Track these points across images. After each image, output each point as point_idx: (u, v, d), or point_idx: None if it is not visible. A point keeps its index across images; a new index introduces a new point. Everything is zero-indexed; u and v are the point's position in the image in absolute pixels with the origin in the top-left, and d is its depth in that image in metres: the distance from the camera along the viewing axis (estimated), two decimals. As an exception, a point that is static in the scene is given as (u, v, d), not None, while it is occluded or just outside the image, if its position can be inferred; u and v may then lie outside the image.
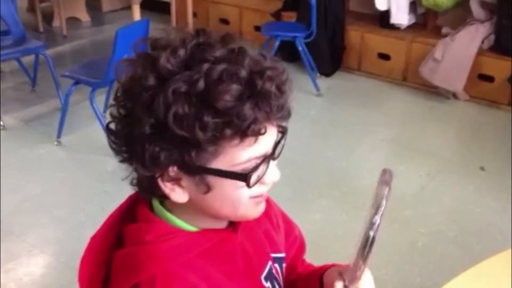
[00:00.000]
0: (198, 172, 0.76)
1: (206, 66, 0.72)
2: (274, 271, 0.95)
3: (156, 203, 0.86)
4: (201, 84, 0.71)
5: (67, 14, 5.17)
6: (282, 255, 0.99)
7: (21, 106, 3.76)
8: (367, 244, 0.78)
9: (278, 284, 0.96)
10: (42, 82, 3.96)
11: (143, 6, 3.80)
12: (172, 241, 0.80)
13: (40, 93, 3.95)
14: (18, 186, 2.88)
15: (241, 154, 0.75)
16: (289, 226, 1.05)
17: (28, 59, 3.97)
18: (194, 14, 4.87)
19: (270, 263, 0.94)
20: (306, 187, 2.92)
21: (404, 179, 2.91)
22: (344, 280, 0.85)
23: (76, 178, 3.03)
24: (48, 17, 5.26)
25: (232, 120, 0.72)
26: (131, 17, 3.72)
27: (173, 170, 0.76)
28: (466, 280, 1.24)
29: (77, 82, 3.17)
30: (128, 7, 4.02)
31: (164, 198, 0.82)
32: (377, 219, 0.77)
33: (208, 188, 0.77)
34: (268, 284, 0.93)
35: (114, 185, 2.87)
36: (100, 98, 3.36)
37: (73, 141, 3.35)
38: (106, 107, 3.47)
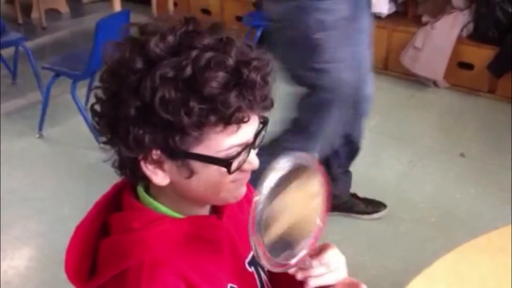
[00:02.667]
0: (181, 156, 0.77)
1: (194, 53, 0.74)
2: None
3: (141, 191, 0.87)
4: (188, 70, 0.73)
5: (46, 5, 5.11)
6: None
7: (2, 99, 3.71)
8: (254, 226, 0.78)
9: (262, 269, 0.98)
10: (22, 74, 3.91)
11: (124, -3, 3.77)
12: (159, 227, 0.82)
13: (20, 86, 3.91)
14: (1, 179, 2.86)
15: (224, 141, 0.77)
16: None
17: (8, 52, 3.92)
18: (175, 4, 4.84)
19: None
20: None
21: (386, 167, 2.95)
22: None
23: (59, 171, 3.02)
24: (26, 9, 5.18)
25: (217, 107, 0.73)
26: (111, 8, 3.69)
27: (156, 153, 0.78)
28: (448, 263, 1.27)
29: (57, 75, 3.14)
30: (108, -2, 3.99)
31: (145, 181, 0.84)
32: (259, 198, 0.77)
33: (191, 173, 0.79)
34: (252, 269, 0.94)
35: (97, 177, 2.84)
36: (82, 91, 3.34)
37: (55, 134, 3.33)
38: (87, 99, 3.45)
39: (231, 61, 0.74)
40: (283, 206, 0.81)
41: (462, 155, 3.08)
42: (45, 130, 3.29)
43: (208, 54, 0.74)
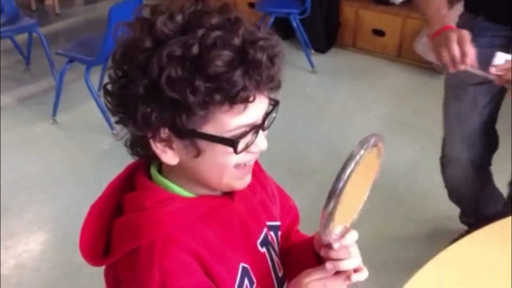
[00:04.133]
0: (188, 135, 0.78)
1: (201, 32, 0.74)
2: (269, 238, 0.98)
3: (154, 171, 0.88)
4: (195, 49, 0.73)
5: (60, -9, 5.13)
6: (278, 223, 1.02)
7: (16, 85, 3.75)
8: (331, 195, 0.78)
9: (274, 250, 0.98)
10: (36, 60, 3.94)
11: (137, -17, 3.76)
12: (171, 206, 0.83)
13: (34, 72, 3.94)
14: (15, 164, 2.90)
15: (231, 120, 0.77)
16: (284, 197, 1.08)
17: (22, 38, 3.95)
18: (188, -9, 4.83)
19: (265, 230, 0.97)
20: (302, 163, 2.94)
21: (398, 154, 2.94)
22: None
23: (73, 156, 3.04)
24: (40, -5, 5.22)
25: (222, 86, 0.74)
26: (124, -6, 3.70)
27: (164, 132, 0.78)
28: (460, 249, 1.27)
29: (71, 60, 3.16)
30: (121, -16, 3.98)
31: (155, 160, 0.85)
32: (344, 174, 0.77)
33: (198, 152, 0.80)
34: (263, 250, 0.95)
35: (110, 162, 2.88)
36: (95, 76, 3.36)
37: (69, 120, 3.36)
38: (100, 85, 3.47)
39: (237, 41, 0.75)
40: (350, 187, 0.80)
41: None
42: (59, 116, 3.32)
43: (215, 33, 0.74)
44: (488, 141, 2.05)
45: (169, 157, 0.81)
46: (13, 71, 3.97)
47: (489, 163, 2.11)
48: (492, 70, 1.48)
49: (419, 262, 1.21)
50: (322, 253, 0.87)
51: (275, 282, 0.98)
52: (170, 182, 0.86)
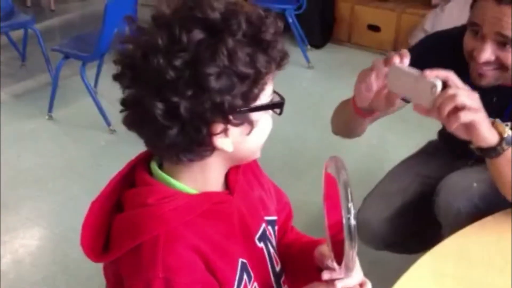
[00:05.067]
0: (250, 110, 0.81)
1: (243, 15, 0.79)
2: (267, 232, 0.99)
3: (154, 167, 0.88)
4: (245, 27, 0.78)
5: (55, -13, 5.11)
6: (274, 218, 1.03)
7: (12, 81, 3.74)
8: (351, 234, 0.79)
9: (271, 244, 1.00)
10: (31, 56, 3.93)
11: (132, -21, 3.76)
12: (174, 202, 0.83)
13: (30, 68, 3.93)
14: (12, 160, 2.89)
15: (270, 87, 0.84)
16: (279, 193, 1.09)
17: (17, 34, 3.94)
18: (184, -13, 4.83)
19: (263, 225, 0.98)
20: (298, 158, 2.95)
21: (395, 150, 2.94)
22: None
23: (69, 152, 3.04)
24: (36, -9, 5.20)
25: (275, 55, 0.81)
26: (120, -11, 3.69)
27: (221, 122, 0.80)
28: (455, 243, 1.28)
29: (67, 57, 3.15)
30: (117, -20, 3.97)
31: (205, 158, 0.85)
32: (351, 205, 0.79)
33: (252, 127, 0.83)
34: (261, 245, 0.96)
35: (107, 158, 2.88)
36: (91, 73, 3.35)
37: (65, 116, 3.35)
38: (96, 81, 3.47)
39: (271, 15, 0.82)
40: None
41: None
42: (55, 111, 3.32)
43: (256, 11, 0.80)
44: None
45: (228, 145, 0.83)
46: (9, 67, 3.96)
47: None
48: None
49: (415, 258, 1.22)
50: (325, 277, 0.88)
51: (272, 276, 0.99)
52: (171, 178, 0.87)
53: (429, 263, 1.22)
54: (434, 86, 1.07)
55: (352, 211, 0.79)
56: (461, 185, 1.53)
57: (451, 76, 1.12)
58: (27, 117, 3.32)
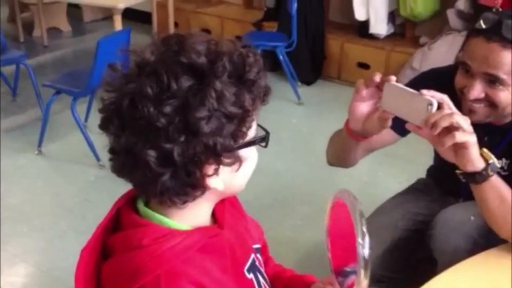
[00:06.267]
0: (239, 147, 0.82)
1: (226, 56, 0.80)
2: (257, 262, 0.99)
3: (142, 207, 0.87)
4: (232, 68, 0.79)
5: (48, 24, 5.16)
6: (259, 245, 1.05)
7: (2, 116, 3.73)
8: (367, 265, 0.80)
9: (261, 274, 0.99)
10: (23, 91, 3.94)
11: (125, 16, 3.80)
12: (171, 241, 0.82)
13: (21, 103, 3.93)
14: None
15: (255, 123, 0.86)
16: (254, 221, 1.10)
17: (9, 69, 3.95)
18: (176, 24, 4.89)
19: (252, 255, 0.98)
20: (287, 194, 2.94)
21: (383, 186, 2.95)
22: None
23: (57, 187, 3.02)
24: (28, 27, 5.23)
25: (259, 92, 0.83)
26: (112, 27, 3.73)
27: (213, 163, 0.81)
28: (446, 280, 1.28)
29: (58, 92, 3.16)
30: (110, 17, 4.02)
31: (196, 198, 0.85)
32: (367, 235, 0.80)
33: (240, 163, 0.84)
34: (251, 276, 0.96)
35: (95, 194, 2.86)
36: (81, 108, 3.36)
37: (54, 151, 3.34)
38: (87, 116, 3.47)
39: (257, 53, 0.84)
40: None
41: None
42: (45, 146, 3.30)
43: (237, 51, 0.81)
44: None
45: (219, 183, 0.84)
46: (0, 102, 3.96)
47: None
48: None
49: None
50: None
51: None
52: (163, 216, 0.86)
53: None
54: (430, 103, 1.10)
55: (367, 241, 0.79)
56: (458, 218, 1.53)
57: (446, 99, 1.15)
58: (16, 152, 3.30)
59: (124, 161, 0.80)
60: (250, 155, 0.86)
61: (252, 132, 0.85)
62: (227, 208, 0.95)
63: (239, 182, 0.89)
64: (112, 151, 0.82)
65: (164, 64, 0.78)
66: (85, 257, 0.86)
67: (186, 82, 0.76)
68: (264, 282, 1.00)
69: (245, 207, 1.06)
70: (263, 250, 1.09)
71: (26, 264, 2.43)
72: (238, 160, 0.83)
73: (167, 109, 0.75)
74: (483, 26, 1.36)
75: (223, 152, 0.79)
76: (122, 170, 0.82)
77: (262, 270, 1.01)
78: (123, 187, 0.91)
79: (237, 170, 0.84)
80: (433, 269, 1.49)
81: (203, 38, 0.82)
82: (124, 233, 0.85)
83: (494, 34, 1.33)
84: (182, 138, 0.76)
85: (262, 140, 0.86)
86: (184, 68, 0.77)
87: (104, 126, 0.81)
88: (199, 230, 0.87)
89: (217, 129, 0.77)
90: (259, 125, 0.87)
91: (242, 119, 0.80)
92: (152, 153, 0.76)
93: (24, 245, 2.53)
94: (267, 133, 0.87)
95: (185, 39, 0.80)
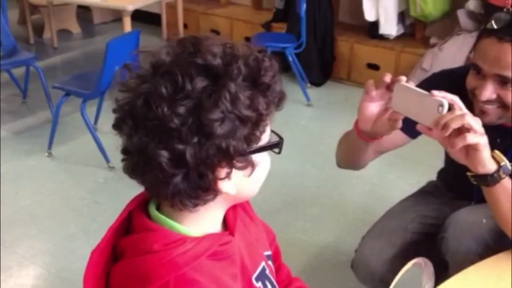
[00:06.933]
0: (252, 152, 0.82)
1: (241, 59, 0.79)
2: (268, 270, 0.98)
3: (154, 211, 0.87)
4: (247, 72, 0.79)
5: (58, 26, 5.18)
6: (270, 252, 1.03)
7: (12, 118, 3.75)
8: None
9: (270, 282, 0.98)
10: (33, 93, 3.96)
11: (134, 18, 3.82)
12: (182, 247, 0.82)
13: (31, 105, 3.95)
14: (9, 197, 2.88)
15: (269, 127, 0.85)
16: (266, 227, 1.09)
17: (19, 71, 3.97)
18: (185, 26, 4.90)
19: (263, 263, 0.97)
20: (297, 196, 2.93)
21: (393, 187, 2.93)
22: None
23: (67, 189, 3.03)
24: (38, 29, 5.26)
25: (274, 97, 0.82)
26: (121, 28, 3.74)
27: (225, 166, 0.80)
28: (454, 285, 1.26)
29: (68, 94, 3.17)
30: (119, 19, 4.03)
31: (208, 202, 0.84)
32: None
33: (253, 168, 0.83)
34: (259, 284, 0.95)
35: (105, 196, 2.86)
36: (91, 110, 3.37)
37: (64, 152, 3.35)
38: (97, 118, 3.48)
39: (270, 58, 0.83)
40: None
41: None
42: (54, 148, 3.31)
43: (253, 55, 0.81)
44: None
45: (231, 188, 0.83)
46: (10, 104, 3.98)
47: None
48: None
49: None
50: None
51: None
52: (174, 222, 0.85)
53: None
54: (441, 104, 1.08)
55: None
56: (470, 221, 1.51)
57: (457, 100, 1.14)
58: (26, 154, 3.32)
59: (136, 162, 0.80)
60: (263, 160, 0.85)
61: (265, 137, 0.84)
62: (239, 214, 0.95)
63: (252, 187, 0.88)
64: (124, 151, 0.82)
65: (179, 64, 0.78)
66: (95, 259, 0.85)
67: (200, 83, 0.76)
68: None
69: (254, 209, 1.05)
70: (274, 257, 1.08)
71: (35, 266, 2.44)
72: (251, 165, 0.82)
73: (181, 109, 0.75)
74: (495, 26, 1.35)
75: (236, 155, 0.79)
76: (134, 171, 0.82)
77: (272, 278, 0.99)
78: (133, 189, 0.90)
79: (250, 175, 0.84)
80: (443, 272, 1.48)
81: (219, 41, 0.81)
82: (135, 236, 0.85)
83: (506, 34, 1.31)
84: (195, 140, 0.76)
85: (276, 145, 0.86)
86: (199, 69, 0.77)
87: (117, 126, 0.81)
88: (210, 237, 0.86)
89: (230, 131, 0.77)
90: (272, 131, 0.86)
91: (255, 123, 0.79)
92: (164, 154, 0.76)
93: (34, 247, 2.54)
94: (281, 139, 0.86)
95: (201, 41, 0.80)
